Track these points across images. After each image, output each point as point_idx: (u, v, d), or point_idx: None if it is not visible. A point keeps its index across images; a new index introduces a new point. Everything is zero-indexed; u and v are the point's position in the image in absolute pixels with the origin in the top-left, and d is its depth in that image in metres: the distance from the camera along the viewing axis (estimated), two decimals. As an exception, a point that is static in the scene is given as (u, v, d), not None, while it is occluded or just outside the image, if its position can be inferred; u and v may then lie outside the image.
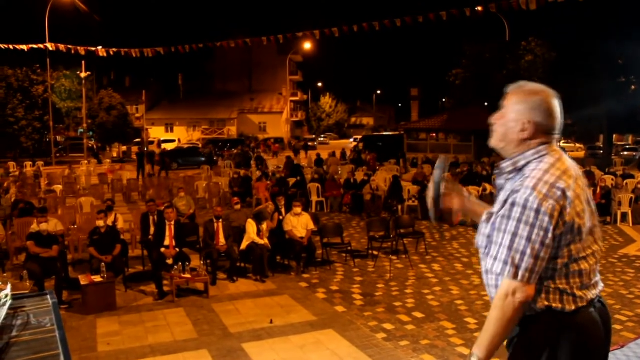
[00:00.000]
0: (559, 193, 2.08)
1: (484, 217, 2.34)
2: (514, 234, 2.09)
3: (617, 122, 29.79)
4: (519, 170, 2.25)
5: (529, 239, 2.06)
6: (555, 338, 2.18)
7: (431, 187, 2.46)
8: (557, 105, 2.25)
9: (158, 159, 28.61)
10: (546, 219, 2.05)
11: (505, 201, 2.17)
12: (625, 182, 16.06)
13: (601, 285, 2.31)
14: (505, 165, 2.30)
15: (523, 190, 2.10)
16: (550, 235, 2.06)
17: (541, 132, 2.24)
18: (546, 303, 2.17)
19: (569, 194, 2.11)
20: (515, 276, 2.08)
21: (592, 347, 2.20)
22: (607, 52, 27.93)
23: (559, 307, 2.17)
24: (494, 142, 2.37)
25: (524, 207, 2.08)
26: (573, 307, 2.16)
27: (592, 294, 2.23)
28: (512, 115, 2.27)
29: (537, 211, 2.06)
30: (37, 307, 2.66)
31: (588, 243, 2.21)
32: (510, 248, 2.09)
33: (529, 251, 2.06)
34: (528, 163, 2.23)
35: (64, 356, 2.13)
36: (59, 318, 2.49)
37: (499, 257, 2.13)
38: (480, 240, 2.33)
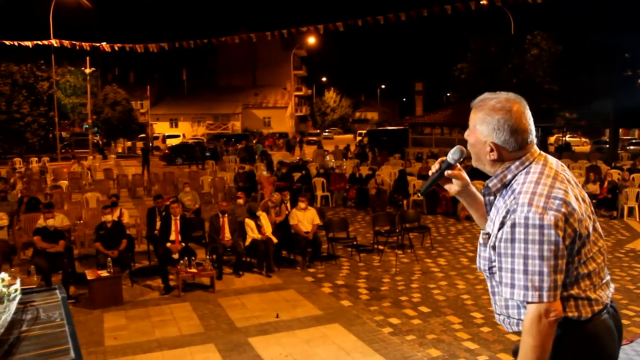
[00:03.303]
0: (557, 202, 1.97)
1: (481, 239, 2.24)
2: (525, 256, 1.97)
3: (623, 116, 29.61)
4: (506, 185, 2.15)
5: (541, 257, 1.94)
6: (571, 349, 2.09)
7: (436, 166, 2.39)
8: (522, 116, 2.11)
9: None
10: (552, 231, 1.94)
11: (503, 223, 2.05)
12: (632, 176, 16.00)
13: (612, 287, 2.24)
14: (492, 184, 2.21)
15: (520, 209, 1.99)
16: (561, 246, 1.95)
17: (512, 149, 2.14)
18: (562, 314, 2.05)
19: (569, 199, 2.00)
20: (541, 298, 1.96)
21: (605, 355, 2.15)
22: (614, 46, 27.80)
23: (576, 315, 2.06)
24: (473, 162, 2.29)
25: (526, 225, 1.96)
26: (590, 314, 2.07)
27: (606, 295, 2.15)
28: (478, 136, 2.20)
29: (541, 226, 1.94)
30: (46, 301, 2.66)
31: (594, 240, 2.13)
32: (525, 272, 1.97)
33: (545, 269, 1.94)
34: (515, 176, 2.13)
35: (74, 350, 2.13)
36: (68, 312, 2.49)
37: (517, 284, 2.00)
38: (481, 263, 2.24)
